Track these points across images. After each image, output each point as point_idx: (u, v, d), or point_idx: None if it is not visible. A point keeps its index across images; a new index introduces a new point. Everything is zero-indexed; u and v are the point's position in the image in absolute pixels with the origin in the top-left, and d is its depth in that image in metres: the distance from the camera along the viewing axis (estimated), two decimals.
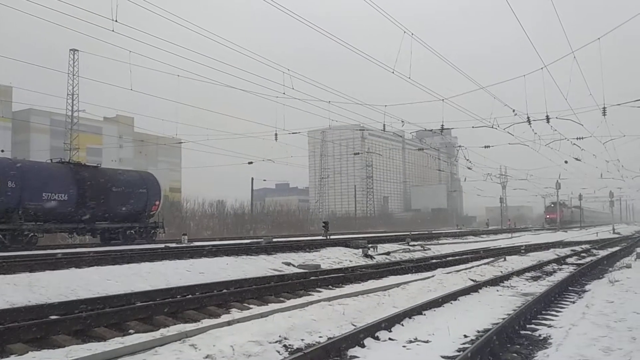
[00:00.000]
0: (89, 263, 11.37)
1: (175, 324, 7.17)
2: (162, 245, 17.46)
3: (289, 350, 5.83)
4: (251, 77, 22.30)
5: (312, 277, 12.21)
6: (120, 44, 17.76)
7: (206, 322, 7.03)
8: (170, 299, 8.62)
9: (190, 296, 9.00)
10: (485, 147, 33.97)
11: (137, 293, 8.78)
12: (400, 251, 20.67)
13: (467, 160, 35.81)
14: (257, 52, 21.20)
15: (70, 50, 48.51)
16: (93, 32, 17.00)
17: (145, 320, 7.49)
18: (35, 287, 8.58)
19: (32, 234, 20.91)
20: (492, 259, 17.39)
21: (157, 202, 25.21)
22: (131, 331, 6.82)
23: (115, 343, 5.93)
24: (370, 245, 19.30)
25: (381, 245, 21.06)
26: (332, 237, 25.98)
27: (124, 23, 14.87)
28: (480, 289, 10.69)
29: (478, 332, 6.72)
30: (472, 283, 11.33)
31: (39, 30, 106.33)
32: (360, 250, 18.66)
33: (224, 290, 9.78)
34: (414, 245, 23.16)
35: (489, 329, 6.47)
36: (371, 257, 18.19)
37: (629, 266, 14.81)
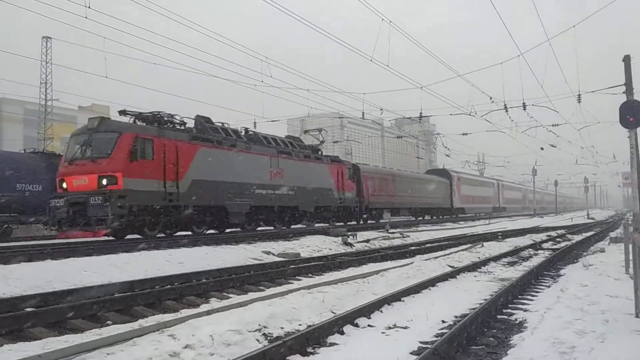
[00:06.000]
0: (65, 254, 11.19)
1: (153, 315, 7.11)
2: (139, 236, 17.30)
3: (269, 338, 5.84)
4: (229, 65, 22.15)
5: (292, 266, 12.22)
6: (95, 30, 17.40)
7: (185, 312, 7.00)
8: (149, 290, 8.54)
9: (169, 286, 8.93)
10: (463, 134, 34.35)
11: (115, 284, 8.68)
12: (380, 239, 20.78)
13: (446, 147, 36.20)
14: (235, 40, 21.02)
15: (43, 37, 47.35)
16: (66, 18, 16.61)
17: (123, 311, 7.42)
18: (10, 279, 8.42)
19: (6, 225, 20.60)
20: (469, 245, 17.61)
21: None
22: (109, 322, 6.76)
23: (93, 335, 5.87)
24: (349, 233, 19.37)
25: (360, 233, 21.15)
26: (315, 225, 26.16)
27: (98, 10, 14.56)
28: (458, 274, 10.83)
29: (456, 317, 6.81)
30: (450, 269, 11.47)
31: (10, 17, 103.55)
32: (340, 238, 18.70)
33: (203, 280, 9.73)
34: (393, 233, 23.31)
35: (467, 314, 6.57)
36: (351, 244, 18.25)
37: (602, 250, 15.14)
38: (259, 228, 22.28)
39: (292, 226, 23.86)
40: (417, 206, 40.11)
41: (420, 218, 41.10)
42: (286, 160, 22.66)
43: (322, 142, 28.06)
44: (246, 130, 22.23)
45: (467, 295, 8.52)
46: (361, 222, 30.91)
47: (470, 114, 24.82)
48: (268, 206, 21.40)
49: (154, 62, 22.06)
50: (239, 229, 21.02)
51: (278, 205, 22.00)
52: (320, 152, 27.17)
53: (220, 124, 20.42)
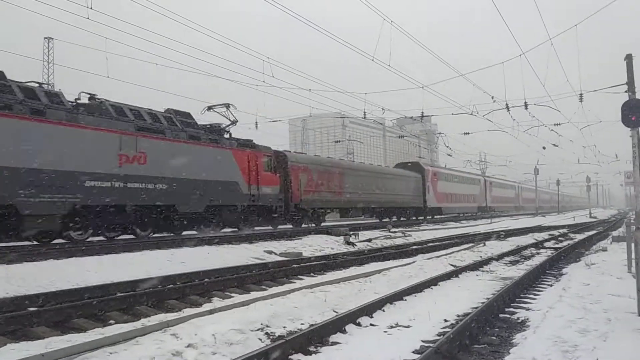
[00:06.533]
0: (68, 254, 11.21)
1: (156, 314, 7.12)
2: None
3: (271, 337, 5.85)
4: (231, 65, 22.13)
5: (294, 265, 12.23)
6: (97, 31, 17.40)
7: (188, 312, 7.01)
8: (151, 289, 8.56)
9: (171, 286, 8.94)
10: (465, 133, 34.34)
11: (117, 283, 8.69)
12: (382, 238, 20.79)
13: (447, 147, 36.11)
14: (237, 41, 21.04)
15: (45, 38, 47.53)
16: (68, 19, 16.62)
17: (126, 310, 7.43)
18: (12, 279, 8.44)
19: None
20: (472, 244, 17.61)
21: None
22: (112, 322, 6.77)
23: (96, 334, 5.88)
24: (351, 233, 19.39)
25: (362, 232, 21.17)
26: (323, 224, 26.12)
27: (99, 10, 14.58)
28: (460, 274, 10.84)
29: (458, 316, 6.81)
30: (452, 268, 11.47)
31: (13, 18, 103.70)
32: (342, 237, 18.72)
33: (206, 280, 9.74)
34: (395, 232, 23.32)
35: (469, 313, 6.57)
36: (353, 244, 18.26)
37: (604, 249, 15.13)
38: (258, 228, 21.09)
39: (167, 233, 17.91)
40: (378, 206, 33.52)
41: (387, 219, 35.07)
42: (153, 140, 16.33)
43: (234, 121, 20.81)
44: (91, 96, 15.84)
45: (470, 294, 8.51)
46: (290, 225, 24.90)
47: (472, 114, 24.82)
48: (114, 205, 14.94)
49: (155, 62, 22.03)
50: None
51: (133, 204, 15.53)
52: (228, 135, 20.63)
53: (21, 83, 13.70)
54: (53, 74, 48.08)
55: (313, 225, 25.77)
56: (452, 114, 26.79)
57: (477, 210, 54.37)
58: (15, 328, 6.15)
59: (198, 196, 17.72)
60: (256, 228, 21.25)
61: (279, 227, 23.65)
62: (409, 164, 42.62)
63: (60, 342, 5.48)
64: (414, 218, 38.90)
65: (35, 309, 6.86)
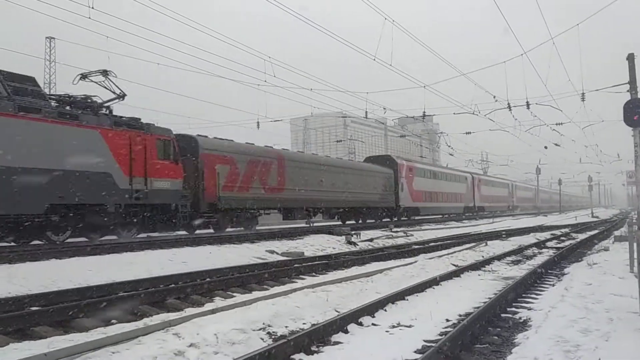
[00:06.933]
0: (70, 254, 11.23)
1: (158, 314, 7.14)
2: (145, 235, 17.28)
3: (273, 337, 5.85)
4: (233, 65, 22.14)
5: (296, 265, 12.23)
6: (99, 30, 17.42)
7: (190, 311, 7.02)
8: (153, 289, 8.56)
9: (173, 285, 8.95)
10: (466, 133, 34.35)
11: (119, 283, 8.71)
12: (384, 237, 20.79)
13: (449, 146, 36.08)
14: (238, 41, 21.07)
15: (47, 37, 47.64)
16: (69, 18, 16.65)
17: (128, 310, 7.44)
18: (15, 278, 8.46)
19: None
20: (473, 244, 17.61)
21: None
22: (114, 321, 6.78)
23: (98, 333, 5.89)
24: (353, 232, 19.39)
25: (364, 232, 21.17)
26: (315, 224, 26.01)
27: (101, 10, 14.62)
28: (462, 273, 10.83)
29: (460, 316, 6.81)
30: (453, 268, 11.47)
31: (14, 17, 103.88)
32: (344, 237, 18.73)
33: (207, 279, 9.75)
34: (396, 232, 23.32)
35: (471, 313, 6.56)
36: (354, 244, 18.26)
37: (607, 249, 15.11)
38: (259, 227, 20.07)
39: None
40: (335, 205, 28.24)
41: (353, 222, 30.31)
42: None
43: (121, 95, 16.11)
44: None
45: (471, 293, 8.51)
46: (198, 231, 19.38)
47: (473, 113, 24.84)
48: None
49: (157, 62, 22.06)
50: None
51: None
52: (106, 112, 15.71)
53: None
54: (55, 72, 48.20)
55: (242, 228, 21.33)
56: (454, 113, 26.85)
57: (464, 210, 49.36)
58: (17, 327, 6.17)
59: (31, 192, 12.83)
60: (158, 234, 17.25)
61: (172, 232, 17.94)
62: (380, 157, 37.67)
63: (62, 341, 5.49)
64: (388, 220, 33.48)
65: (38, 308, 6.88)
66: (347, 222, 29.54)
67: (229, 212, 20.53)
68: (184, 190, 17.68)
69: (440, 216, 43.01)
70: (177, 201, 17.23)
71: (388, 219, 33.77)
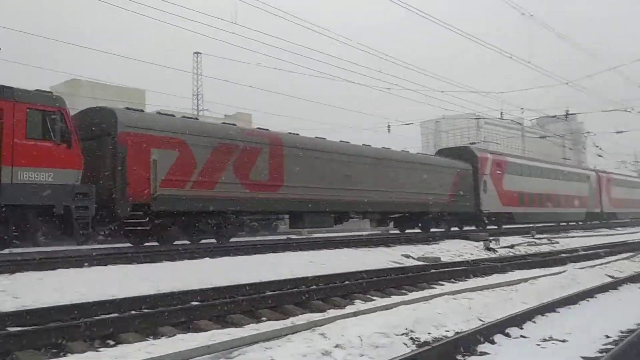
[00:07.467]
0: (221, 254, 12.19)
1: (303, 313, 7.46)
2: (285, 237, 18.16)
3: (416, 343, 5.83)
4: (364, 70, 22.48)
5: (433, 270, 12.06)
6: (242, 44, 18.71)
7: (332, 313, 7.23)
8: (296, 289, 8.97)
9: (315, 287, 9.30)
10: (617, 132, 31.35)
11: (265, 282, 9.25)
12: (525, 244, 19.67)
13: (597, 147, 33.14)
14: (375, 49, 21.32)
15: (194, 53, 52.02)
16: (214, 34, 18.08)
17: (275, 308, 7.88)
18: (177, 273, 9.40)
19: None
20: (631, 253, 15.99)
21: None
22: (263, 318, 7.22)
23: (251, 329, 6.31)
24: (492, 238, 18.61)
25: (504, 237, 20.20)
26: (451, 229, 25.35)
27: (243, 25, 15.70)
28: (620, 286, 9.90)
29: (622, 332, 6.23)
30: (609, 279, 10.53)
31: (164, 35, 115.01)
32: (482, 243, 18.06)
33: (346, 282, 9.98)
34: (540, 239, 21.92)
35: (634, 330, 5.98)
36: (493, 250, 17.53)
37: None
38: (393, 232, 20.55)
39: None
40: (371, 209, 21.31)
41: (398, 231, 24.69)
42: None
43: None
44: None
45: (633, 309, 7.73)
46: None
47: (625, 110, 22.58)
48: None
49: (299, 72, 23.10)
50: None
51: None
52: None
53: None
54: (202, 86, 52.48)
55: (213, 241, 15.98)
56: (602, 111, 24.71)
57: (586, 216, 39.19)
58: (182, 320, 6.84)
59: None
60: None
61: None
62: (455, 150, 29.98)
63: (221, 335, 5.97)
64: (458, 228, 26.77)
65: (197, 303, 7.57)
66: (407, 231, 24.24)
67: (177, 217, 14.91)
68: (84, 186, 12.34)
69: (554, 224, 34.83)
70: (67, 201, 11.81)
71: (468, 227, 27.18)
